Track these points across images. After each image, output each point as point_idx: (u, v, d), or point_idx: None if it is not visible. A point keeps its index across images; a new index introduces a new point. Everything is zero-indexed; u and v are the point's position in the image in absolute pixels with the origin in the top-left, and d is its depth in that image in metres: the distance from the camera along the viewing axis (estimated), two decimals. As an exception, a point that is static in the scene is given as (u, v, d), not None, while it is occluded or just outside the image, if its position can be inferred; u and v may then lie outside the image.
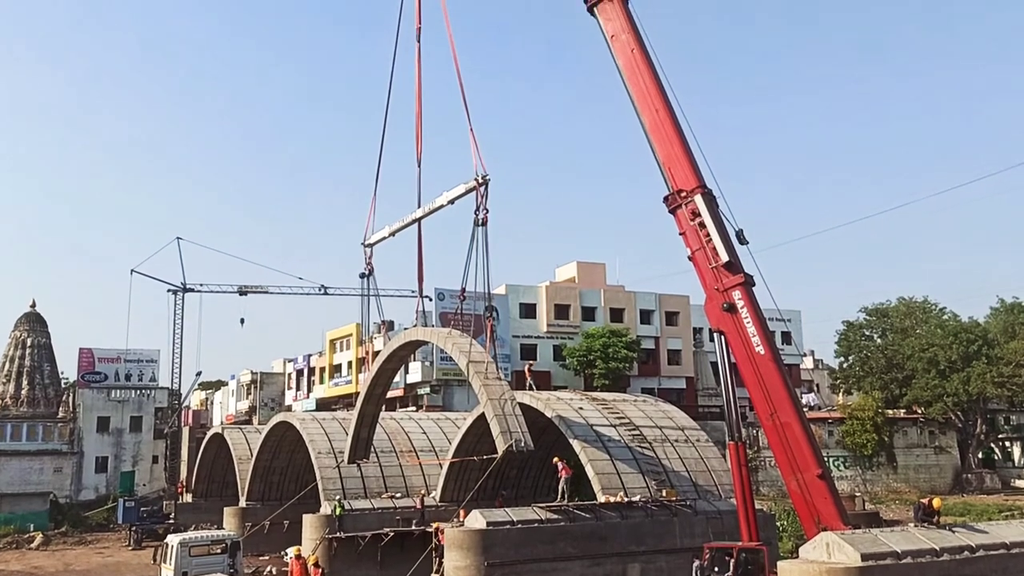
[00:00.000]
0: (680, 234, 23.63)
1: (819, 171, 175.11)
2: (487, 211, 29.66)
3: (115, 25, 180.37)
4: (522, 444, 27.43)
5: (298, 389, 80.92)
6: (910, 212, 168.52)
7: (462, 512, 29.92)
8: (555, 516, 27.63)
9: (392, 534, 34.62)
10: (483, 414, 30.72)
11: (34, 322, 67.27)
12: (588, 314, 66.89)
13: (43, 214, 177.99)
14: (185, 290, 67.71)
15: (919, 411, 62.49)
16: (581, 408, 33.56)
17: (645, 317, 68.97)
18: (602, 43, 25.49)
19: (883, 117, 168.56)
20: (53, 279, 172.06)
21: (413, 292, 42.00)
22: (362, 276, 38.54)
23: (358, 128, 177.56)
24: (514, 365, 60.47)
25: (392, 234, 36.28)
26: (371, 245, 37.42)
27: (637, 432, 32.67)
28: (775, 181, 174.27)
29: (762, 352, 21.60)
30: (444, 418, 46.92)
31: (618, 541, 27.82)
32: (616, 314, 67.37)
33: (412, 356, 46.84)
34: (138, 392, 67.01)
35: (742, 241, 22.94)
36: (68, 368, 68.75)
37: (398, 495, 38.79)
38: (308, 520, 36.66)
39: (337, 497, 37.14)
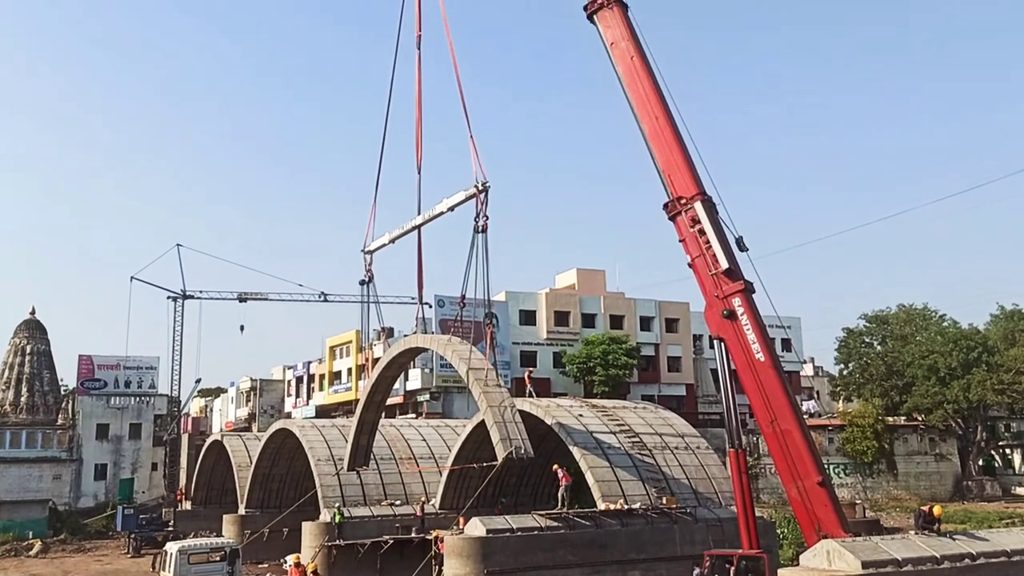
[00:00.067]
0: (680, 241, 23.66)
1: (819, 178, 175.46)
2: (487, 218, 29.71)
3: (115, 27, 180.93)
4: (522, 451, 27.41)
5: (298, 396, 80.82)
6: (910, 219, 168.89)
7: (462, 519, 29.88)
8: (555, 523, 27.60)
9: (391, 542, 34.58)
10: (483, 421, 30.71)
11: (34, 329, 67.27)
12: (588, 321, 66.88)
13: (43, 221, 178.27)
14: (185, 297, 67.79)
15: (919, 418, 62.39)
16: (581, 415, 33.55)
17: (645, 324, 68.95)
18: (602, 50, 25.56)
19: (883, 124, 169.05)
20: (53, 286, 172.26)
21: (413, 299, 42.11)
22: (362, 283, 38.56)
23: (358, 135, 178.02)
24: (514, 372, 60.40)
25: (392, 241, 36.30)
26: (371, 252, 37.44)
27: (637, 439, 32.66)
28: (775, 188, 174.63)
29: (762, 359, 21.60)
30: (444, 425, 46.89)
31: (618, 549, 27.79)
32: (616, 321, 67.37)
33: (412, 363, 46.80)
34: (137, 399, 66.94)
35: (742, 248, 22.96)
36: (67, 375, 68.79)
37: (397, 502, 38.77)
38: (307, 527, 36.63)
39: (336, 504, 37.11)
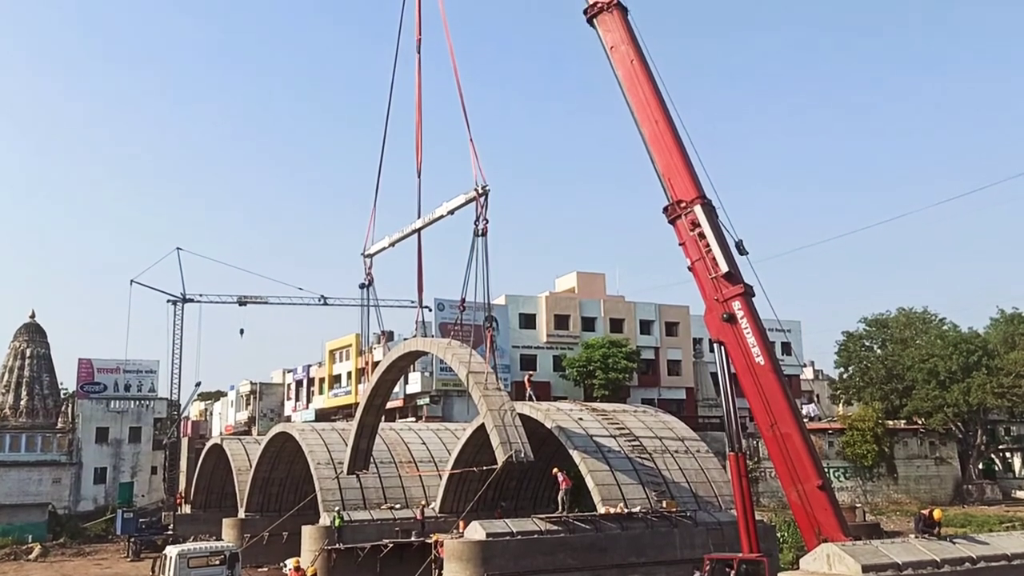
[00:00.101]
0: (680, 244, 23.64)
1: (819, 181, 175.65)
2: (487, 221, 29.70)
3: (116, 30, 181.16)
4: (522, 455, 27.40)
5: (297, 400, 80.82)
6: (910, 222, 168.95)
7: (461, 523, 29.85)
8: (555, 527, 27.58)
9: (391, 545, 34.54)
10: (483, 425, 30.70)
11: (33, 332, 67.21)
12: (588, 324, 66.89)
13: (43, 224, 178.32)
14: (185, 300, 67.79)
15: (919, 422, 62.39)
16: (581, 419, 33.54)
17: (645, 327, 68.96)
18: (602, 54, 25.58)
19: (883, 128, 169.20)
20: (53, 289, 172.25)
21: (413, 302, 42.06)
22: (362, 286, 38.55)
23: (358, 138, 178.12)
24: (514, 375, 60.39)
25: (392, 244, 36.32)
26: (371, 255, 37.45)
27: (637, 443, 32.64)
28: (775, 191, 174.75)
29: (762, 362, 21.59)
30: (443, 429, 46.88)
31: (618, 552, 27.75)
32: (616, 324, 67.38)
33: (411, 367, 46.79)
34: (137, 403, 66.87)
35: (742, 251, 22.94)
36: (67, 379, 68.72)
37: (397, 506, 38.74)
38: (307, 531, 36.61)
39: (336, 508, 37.09)
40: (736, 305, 22.13)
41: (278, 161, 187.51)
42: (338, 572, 34.61)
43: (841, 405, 70.40)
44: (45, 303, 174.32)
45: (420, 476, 40.11)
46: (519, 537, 26.72)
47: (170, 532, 50.10)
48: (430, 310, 58.02)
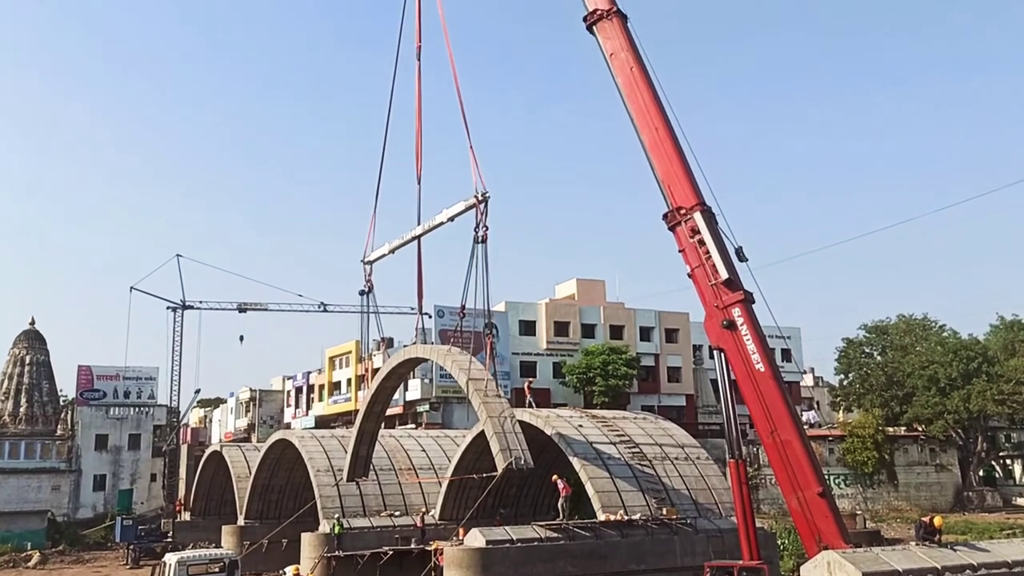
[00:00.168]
0: (680, 251, 23.66)
1: (819, 188, 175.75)
2: (487, 228, 29.69)
3: (116, 30, 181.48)
4: (522, 462, 27.36)
5: (297, 406, 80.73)
6: (910, 229, 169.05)
7: (461, 530, 29.79)
8: (555, 534, 27.53)
9: (391, 553, 34.44)
10: (483, 432, 30.67)
11: (33, 339, 67.18)
12: (588, 331, 66.87)
13: (43, 230, 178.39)
14: (184, 307, 67.83)
15: (920, 429, 62.37)
16: (581, 426, 33.49)
17: (645, 334, 68.94)
18: (602, 61, 25.62)
19: (882, 134, 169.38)
20: (52, 296, 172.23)
21: (413, 309, 42.09)
22: (362, 293, 38.52)
23: (359, 144, 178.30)
24: (514, 382, 60.37)
25: (392, 251, 36.31)
26: (371, 262, 37.44)
27: (637, 450, 32.60)
28: (775, 198, 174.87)
29: (762, 369, 21.58)
30: (443, 436, 46.81)
31: (618, 560, 27.68)
32: (616, 331, 67.38)
33: (411, 373, 46.80)
34: (137, 410, 66.79)
35: (742, 258, 22.95)
36: (67, 385, 68.69)
37: (397, 513, 38.67)
38: (307, 538, 36.53)
39: (336, 515, 37.03)
40: (736, 312, 22.13)
41: (278, 167, 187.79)
42: (337, 579, 34.52)
43: (841, 412, 70.37)
44: (45, 304, 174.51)
45: (420, 483, 40.04)
46: (519, 544, 26.66)
47: (169, 539, 49.93)
48: (430, 317, 58.02)
